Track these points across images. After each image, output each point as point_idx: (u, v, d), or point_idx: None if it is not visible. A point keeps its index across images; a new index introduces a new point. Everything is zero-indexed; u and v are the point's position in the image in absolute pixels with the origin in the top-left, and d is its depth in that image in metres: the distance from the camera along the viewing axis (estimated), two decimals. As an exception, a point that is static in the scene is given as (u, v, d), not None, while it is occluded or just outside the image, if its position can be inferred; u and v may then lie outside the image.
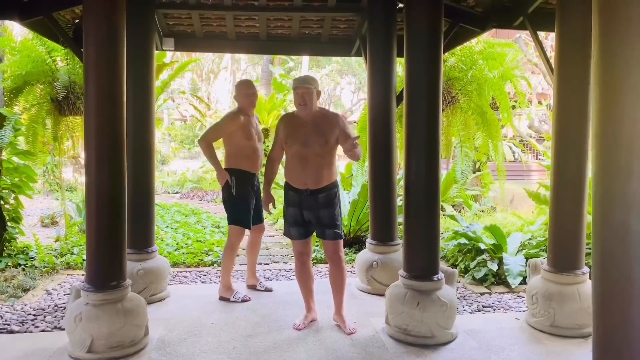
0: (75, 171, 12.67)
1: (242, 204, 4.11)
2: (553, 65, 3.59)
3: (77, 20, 4.29)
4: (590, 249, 4.25)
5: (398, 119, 4.75)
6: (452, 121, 5.55)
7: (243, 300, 4.08)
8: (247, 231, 4.23)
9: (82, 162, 11.18)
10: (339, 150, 3.53)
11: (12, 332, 3.59)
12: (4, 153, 5.00)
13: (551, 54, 6.24)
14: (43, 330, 3.63)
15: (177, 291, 4.41)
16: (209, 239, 6.54)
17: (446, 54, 5.21)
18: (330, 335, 3.45)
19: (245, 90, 4.09)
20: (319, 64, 23.27)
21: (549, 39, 10.71)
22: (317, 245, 5.74)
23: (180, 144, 21.26)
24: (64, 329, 3.29)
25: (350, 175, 7.21)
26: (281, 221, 3.96)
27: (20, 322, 3.76)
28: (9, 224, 5.13)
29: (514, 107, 8.56)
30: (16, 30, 5.35)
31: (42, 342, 3.33)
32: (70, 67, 4.76)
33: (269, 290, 4.39)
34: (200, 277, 5.07)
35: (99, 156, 3.10)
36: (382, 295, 3.75)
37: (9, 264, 4.94)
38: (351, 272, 4.93)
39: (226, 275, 4.18)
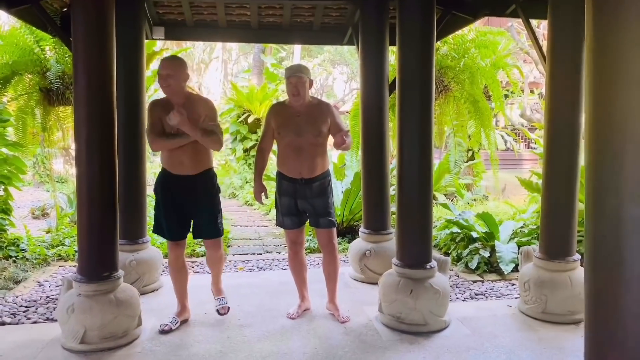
0: (66, 162, 12.58)
1: (155, 209, 3.42)
2: (545, 53, 3.59)
3: (65, 9, 4.22)
4: (582, 236, 4.29)
5: (391, 108, 4.74)
6: (445, 110, 5.55)
7: (162, 332, 3.31)
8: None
9: (73, 153, 11.12)
10: (330, 140, 3.52)
11: (3, 323, 3.57)
12: (-8, 144, 4.94)
13: (543, 42, 6.24)
14: (35, 322, 3.61)
15: (170, 282, 4.37)
16: (202, 230, 6.51)
17: (438, 42, 5.19)
18: (324, 324, 3.46)
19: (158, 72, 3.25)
20: (310, 53, 23.15)
21: (541, 27, 10.70)
22: (310, 235, 5.74)
23: (172, 134, 21.09)
24: (56, 321, 3.28)
25: (343, 165, 7.21)
26: (274, 211, 3.93)
27: (12, 314, 3.74)
28: (-1, 215, 5.09)
29: (506, 96, 8.58)
30: (3, 19, 5.27)
31: (35, 334, 3.32)
32: (59, 57, 4.69)
33: (220, 313, 3.54)
34: (193, 267, 5.05)
35: (89, 147, 3.07)
36: (376, 284, 3.76)
37: (-1, 255, 4.91)
38: (344, 261, 4.94)
39: (177, 295, 3.55)
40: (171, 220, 3.33)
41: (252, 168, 10.60)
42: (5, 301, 3.99)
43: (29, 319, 3.66)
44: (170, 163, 3.27)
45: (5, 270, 4.59)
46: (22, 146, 5.12)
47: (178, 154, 3.22)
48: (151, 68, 7.83)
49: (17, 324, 3.58)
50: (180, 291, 3.53)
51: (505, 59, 5.99)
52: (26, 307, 3.89)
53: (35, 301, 4.00)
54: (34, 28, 4.47)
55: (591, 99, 1.81)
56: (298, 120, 3.38)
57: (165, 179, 3.32)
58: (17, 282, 4.42)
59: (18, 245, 5.18)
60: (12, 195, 5.37)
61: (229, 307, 3.55)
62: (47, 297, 4.11)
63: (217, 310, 3.53)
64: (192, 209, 3.33)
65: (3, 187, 5.19)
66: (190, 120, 3.12)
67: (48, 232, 6.20)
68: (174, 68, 3.19)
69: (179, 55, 8.38)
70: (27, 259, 4.98)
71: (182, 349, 3.08)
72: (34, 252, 5.13)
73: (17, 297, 4.10)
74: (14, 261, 4.89)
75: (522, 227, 5.36)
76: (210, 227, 3.37)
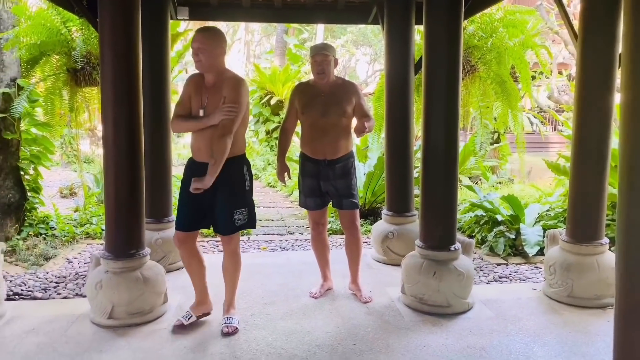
0: (92, 143, 12.79)
1: (179, 197, 3.11)
2: (577, 32, 3.49)
3: (91, -11, 4.24)
4: (611, 220, 4.20)
5: (415, 89, 4.67)
6: (471, 91, 5.43)
7: (175, 327, 3.10)
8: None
9: (99, 134, 11.30)
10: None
11: (35, 298, 3.69)
12: (22, 124, 5.04)
13: (574, 22, 6.05)
14: (65, 297, 3.72)
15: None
16: (225, 210, 6.58)
17: (465, 21, 5.07)
18: (346, 304, 3.48)
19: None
20: (333, 34, 22.96)
21: (571, 6, 10.39)
22: (332, 217, 5.75)
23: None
24: (85, 296, 3.36)
25: (365, 147, 7.17)
26: (296, 193, 3.90)
27: (42, 289, 3.85)
28: (29, 194, 5.21)
29: (534, 77, 8.37)
30: (31, 1, 5.32)
31: (65, 309, 3.41)
32: (85, 37, 4.73)
33: (223, 332, 3.03)
34: (217, 246, 5.12)
35: (116, 127, 3.11)
36: (398, 265, 3.75)
37: (30, 233, 5.04)
38: (366, 242, 4.94)
39: (194, 287, 3.20)
40: (184, 208, 3.01)
41: (275, 150, 10.64)
42: (37, 277, 4.11)
43: (59, 294, 3.77)
44: (192, 148, 2.99)
45: (36, 247, 4.72)
46: (51, 126, 5.21)
47: (198, 139, 2.92)
48: (175, 49, 7.86)
49: (48, 298, 3.69)
50: (195, 284, 3.17)
51: (534, 39, 5.83)
52: (56, 282, 4.00)
53: (64, 277, 4.11)
54: (60, 9, 4.51)
55: (629, 77, 1.75)
56: (322, 100, 3.36)
57: (189, 166, 3.03)
58: (47, 259, 4.55)
59: (48, 223, 5.31)
60: (41, 174, 5.49)
61: (236, 328, 3.05)
62: (76, 273, 4.21)
63: (222, 329, 3.04)
64: (209, 200, 2.94)
65: (33, 166, 5.30)
66: (215, 102, 2.85)
67: (76, 210, 6.34)
68: (205, 41, 2.84)
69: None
70: (56, 236, 5.11)
71: (207, 325, 3.13)
72: (63, 230, 5.25)
73: (47, 273, 4.22)
74: (44, 238, 5.02)
75: (548, 210, 5.28)
76: (222, 222, 2.97)
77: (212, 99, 2.89)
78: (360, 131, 3.21)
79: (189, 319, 3.10)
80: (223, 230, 3.01)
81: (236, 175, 2.97)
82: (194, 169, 2.96)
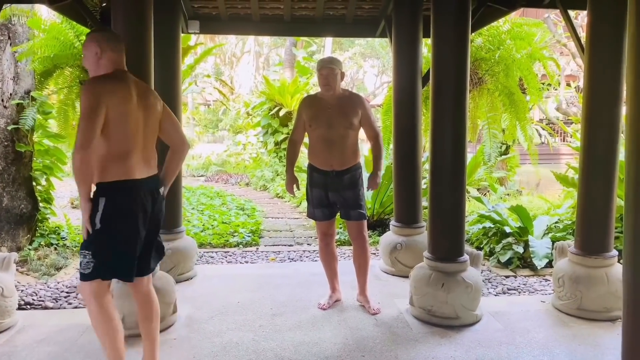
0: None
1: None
2: (584, 45, 3.51)
3: (104, 4, 4.33)
4: (620, 232, 4.18)
5: (423, 101, 4.70)
6: (479, 103, 5.47)
7: None
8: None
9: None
10: (361, 133, 3.55)
11: (46, 308, 3.72)
12: (35, 135, 5.12)
13: (581, 34, 6.07)
14: (76, 307, 3.75)
15: (203, 271, 4.49)
16: (234, 221, 6.63)
17: (473, 34, 5.12)
18: (354, 315, 3.48)
19: None
20: (342, 46, 23.12)
21: (579, 18, 10.41)
22: (340, 228, 5.76)
23: (205, 128, 21.48)
24: (95, 306, 3.38)
25: (373, 158, 7.19)
26: (304, 204, 3.94)
27: (54, 299, 3.89)
28: (41, 204, 5.27)
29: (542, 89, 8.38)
30: (44, 15, 5.44)
31: (75, 318, 3.44)
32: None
33: None
34: (226, 257, 5.15)
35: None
36: (406, 277, 3.76)
37: (41, 243, 5.10)
38: (374, 254, 4.94)
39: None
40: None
41: (283, 161, 10.68)
42: (48, 287, 4.15)
43: (70, 304, 3.81)
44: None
45: (47, 257, 4.76)
46: (63, 138, 5.29)
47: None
48: (185, 63, 7.96)
49: (59, 308, 3.73)
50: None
51: (542, 51, 5.86)
52: (67, 292, 4.03)
53: (75, 287, 4.15)
54: (74, 23, 4.60)
55: (634, 89, 1.77)
56: (329, 113, 3.40)
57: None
58: (58, 269, 4.59)
59: (59, 234, 5.37)
60: (53, 185, 5.56)
61: None
62: (87, 283, 4.24)
63: None
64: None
65: (45, 177, 5.38)
66: None
67: (86, 221, 6.39)
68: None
69: (213, 50, 8.50)
70: (67, 246, 5.16)
71: (217, 336, 3.15)
72: (74, 240, 5.30)
73: (58, 282, 4.26)
74: (55, 248, 5.07)
75: (556, 222, 5.26)
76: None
77: None
78: (374, 187, 3.55)
79: None
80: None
81: (93, 208, 2.25)
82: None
